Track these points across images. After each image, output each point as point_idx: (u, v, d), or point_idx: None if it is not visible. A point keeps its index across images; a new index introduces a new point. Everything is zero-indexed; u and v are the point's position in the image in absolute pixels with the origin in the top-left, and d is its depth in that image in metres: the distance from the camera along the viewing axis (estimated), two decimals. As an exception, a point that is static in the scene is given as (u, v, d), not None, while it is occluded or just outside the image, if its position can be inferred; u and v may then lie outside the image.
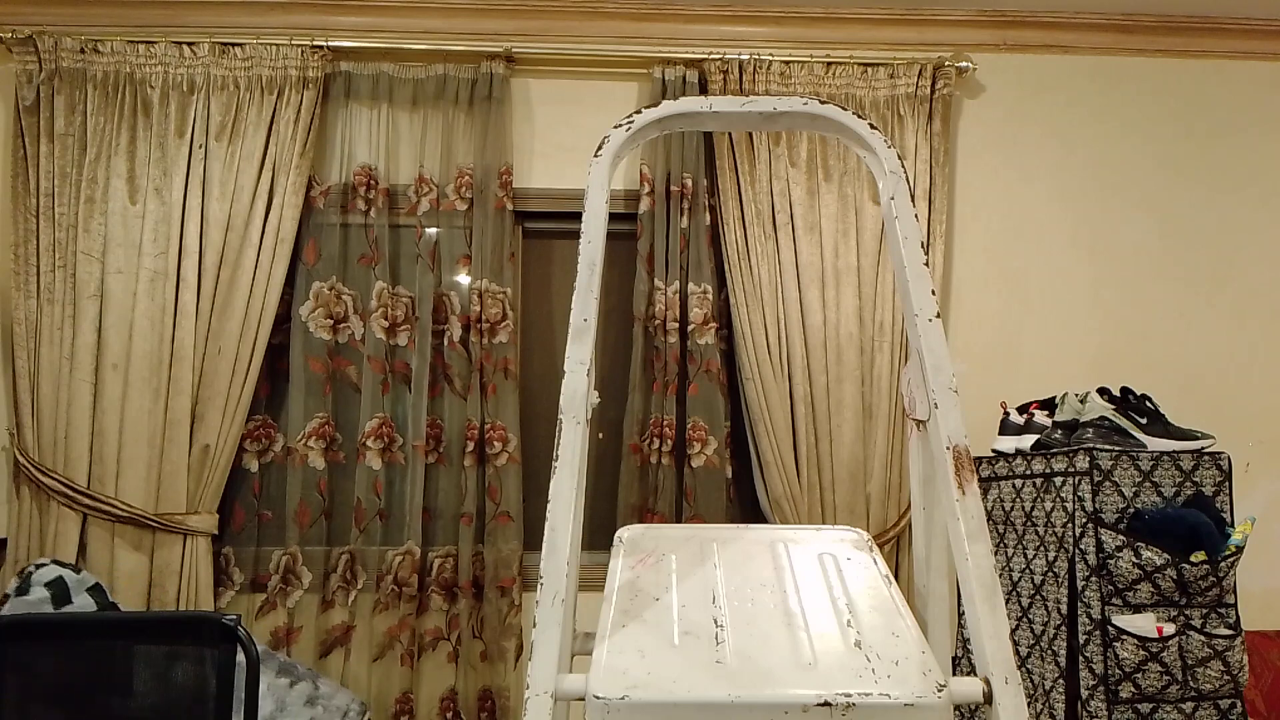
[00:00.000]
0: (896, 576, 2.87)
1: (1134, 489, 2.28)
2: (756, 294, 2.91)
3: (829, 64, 3.04)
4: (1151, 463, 2.30)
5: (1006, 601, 2.49)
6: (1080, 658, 2.25)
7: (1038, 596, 2.42)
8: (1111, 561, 2.22)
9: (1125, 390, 2.49)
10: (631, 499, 2.88)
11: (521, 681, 2.84)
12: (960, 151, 3.16)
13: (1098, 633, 2.22)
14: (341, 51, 2.96)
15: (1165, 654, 2.19)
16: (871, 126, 0.97)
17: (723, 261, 2.96)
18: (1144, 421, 2.41)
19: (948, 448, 0.85)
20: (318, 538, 2.86)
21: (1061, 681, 2.30)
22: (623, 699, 0.73)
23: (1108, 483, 2.27)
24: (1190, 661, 2.21)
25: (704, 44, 3.04)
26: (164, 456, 2.76)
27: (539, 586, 0.80)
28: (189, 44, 2.89)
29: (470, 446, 2.85)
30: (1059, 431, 2.50)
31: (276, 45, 2.89)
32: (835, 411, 2.91)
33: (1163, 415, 2.45)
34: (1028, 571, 2.47)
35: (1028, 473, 2.50)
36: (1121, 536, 2.22)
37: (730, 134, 2.98)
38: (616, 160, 0.97)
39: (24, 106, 2.83)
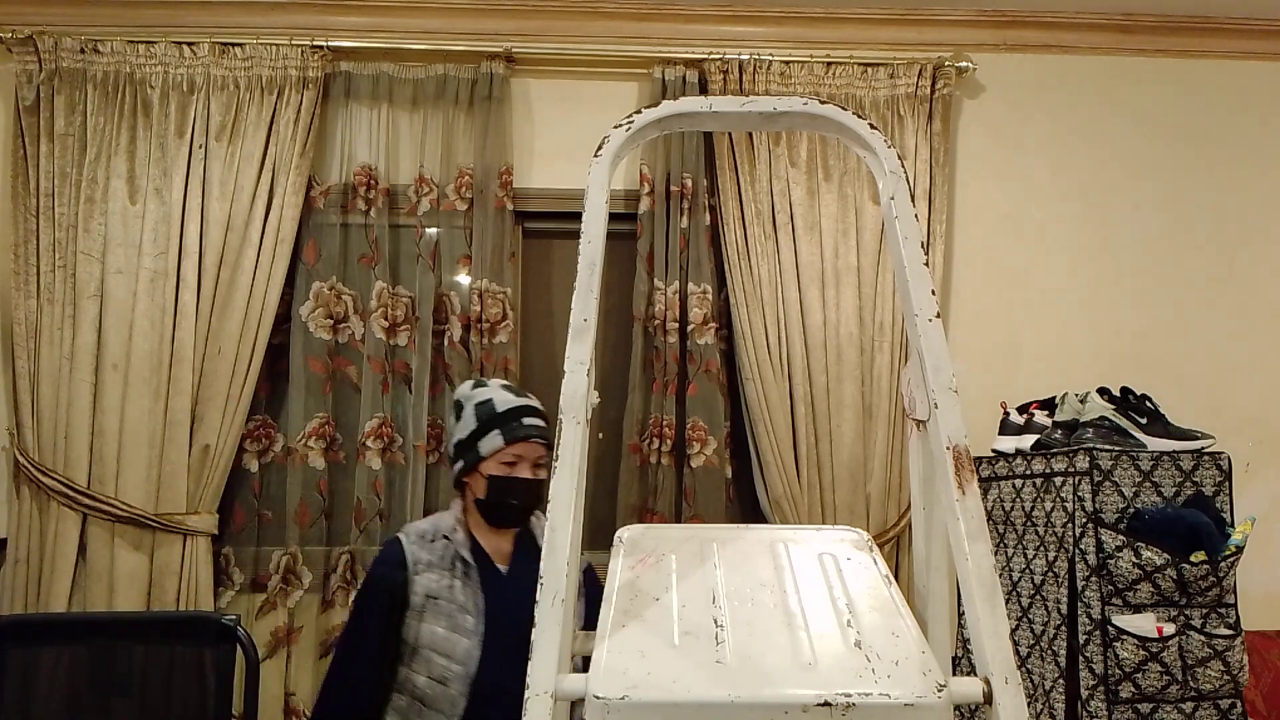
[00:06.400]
0: (896, 576, 2.87)
1: (1134, 489, 2.28)
2: (756, 294, 2.91)
3: (829, 64, 3.04)
4: (1151, 463, 2.30)
5: (1006, 601, 2.49)
6: (1080, 658, 2.25)
7: (1038, 596, 2.42)
8: (1111, 561, 2.22)
9: (1125, 390, 2.49)
10: (631, 499, 2.88)
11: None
12: (960, 151, 3.16)
13: (1098, 633, 2.22)
14: (341, 51, 2.96)
15: (1165, 654, 2.19)
16: (871, 126, 0.97)
17: (723, 261, 2.96)
18: (1144, 421, 2.41)
19: (948, 448, 0.84)
20: (318, 538, 2.86)
21: (1061, 681, 2.30)
22: (623, 699, 0.73)
23: (1108, 483, 2.27)
24: (1190, 661, 2.21)
25: (704, 44, 3.04)
26: (164, 456, 2.76)
27: (539, 586, 0.80)
28: (189, 44, 2.89)
29: (470, 446, 2.85)
30: (1059, 431, 2.50)
31: (276, 45, 2.89)
32: (835, 411, 2.91)
33: (1163, 415, 2.45)
34: (1028, 571, 2.47)
35: (1028, 473, 2.50)
36: (1121, 536, 2.22)
37: (730, 134, 2.98)
38: (616, 160, 0.97)
39: (24, 106, 2.83)
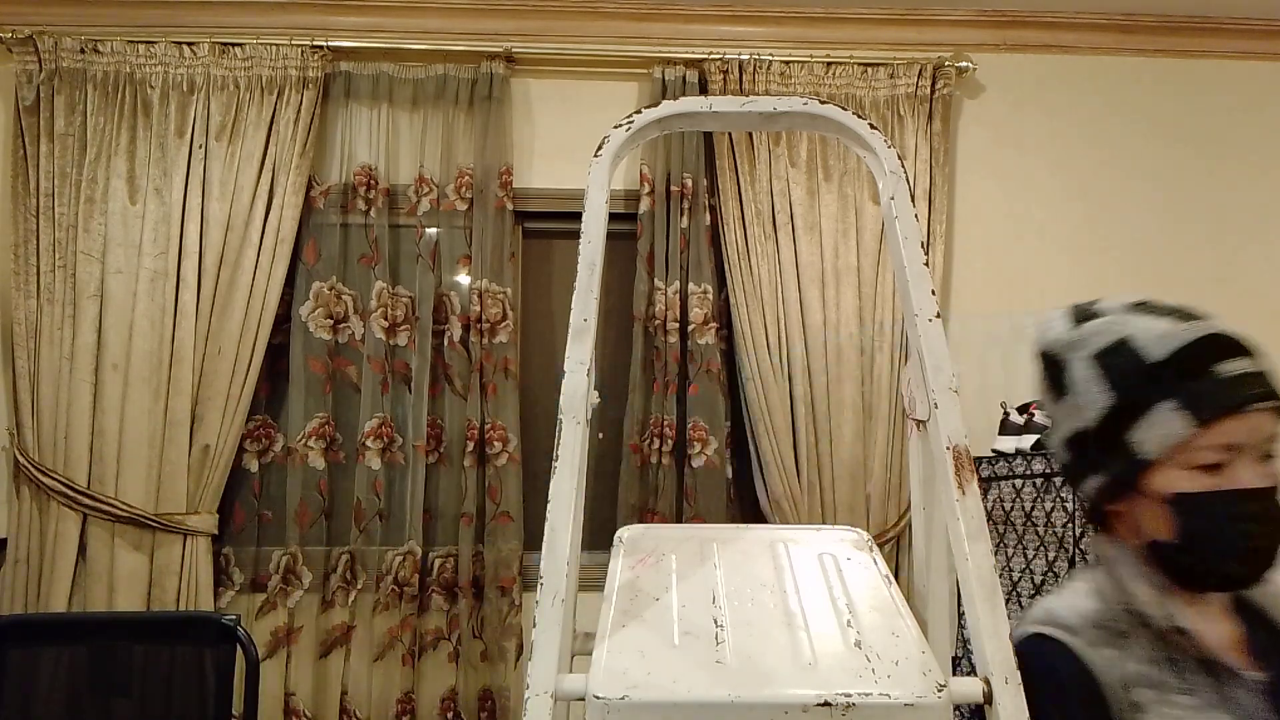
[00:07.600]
0: (896, 576, 2.87)
1: (1134, 489, 2.28)
2: (756, 294, 2.91)
3: (829, 64, 3.04)
4: (1151, 463, 2.30)
5: (1006, 601, 2.49)
6: (1080, 658, 2.25)
7: (1038, 596, 2.42)
8: (1111, 561, 2.22)
9: (1125, 390, 2.49)
10: (631, 499, 2.88)
11: (521, 681, 2.84)
12: (960, 151, 3.16)
13: (1098, 633, 2.22)
14: (341, 51, 2.96)
15: (1165, 654, 2.19)
16: (871, 126, 0.97)
17: (723, 261, 2.96)
18: (1144, 421, 2.41)
19: (948, 448, 0.84)
20: (318, 538, 2.86)
21: (1061, 681, 2.30)
22: (623, 699, 0.73)
23: (1108, 483, 2.27)
24: (1190, 661, 2.21)
25: (704, 44, 3.04)
26: (164, 456, 2.76)
27: (539, 586, 0.80)
28: (189, 44, 2.89)
29: (470, 446, 2.85)
30: (1059, 431, 2.49)
31: (276, 45, 2.89)
32: (835, 411, 2.91)
33: (1163, 415, 2.45)
34: (1028, 571, 2.47)
35: (1028, 473, 2.50)
36: (1121, 536, 2.22)
37: (730, 134, 2.98)
38: (616, 160, 0.97)
39: (24, 106, 2.83)
